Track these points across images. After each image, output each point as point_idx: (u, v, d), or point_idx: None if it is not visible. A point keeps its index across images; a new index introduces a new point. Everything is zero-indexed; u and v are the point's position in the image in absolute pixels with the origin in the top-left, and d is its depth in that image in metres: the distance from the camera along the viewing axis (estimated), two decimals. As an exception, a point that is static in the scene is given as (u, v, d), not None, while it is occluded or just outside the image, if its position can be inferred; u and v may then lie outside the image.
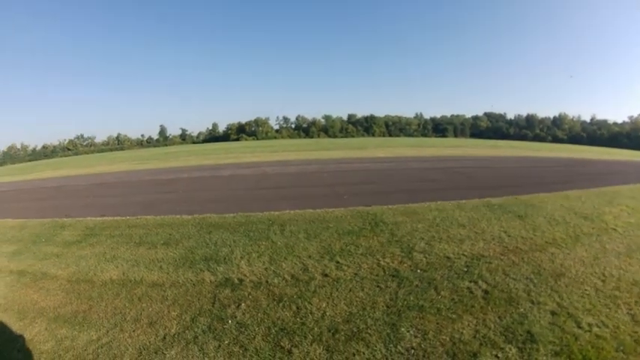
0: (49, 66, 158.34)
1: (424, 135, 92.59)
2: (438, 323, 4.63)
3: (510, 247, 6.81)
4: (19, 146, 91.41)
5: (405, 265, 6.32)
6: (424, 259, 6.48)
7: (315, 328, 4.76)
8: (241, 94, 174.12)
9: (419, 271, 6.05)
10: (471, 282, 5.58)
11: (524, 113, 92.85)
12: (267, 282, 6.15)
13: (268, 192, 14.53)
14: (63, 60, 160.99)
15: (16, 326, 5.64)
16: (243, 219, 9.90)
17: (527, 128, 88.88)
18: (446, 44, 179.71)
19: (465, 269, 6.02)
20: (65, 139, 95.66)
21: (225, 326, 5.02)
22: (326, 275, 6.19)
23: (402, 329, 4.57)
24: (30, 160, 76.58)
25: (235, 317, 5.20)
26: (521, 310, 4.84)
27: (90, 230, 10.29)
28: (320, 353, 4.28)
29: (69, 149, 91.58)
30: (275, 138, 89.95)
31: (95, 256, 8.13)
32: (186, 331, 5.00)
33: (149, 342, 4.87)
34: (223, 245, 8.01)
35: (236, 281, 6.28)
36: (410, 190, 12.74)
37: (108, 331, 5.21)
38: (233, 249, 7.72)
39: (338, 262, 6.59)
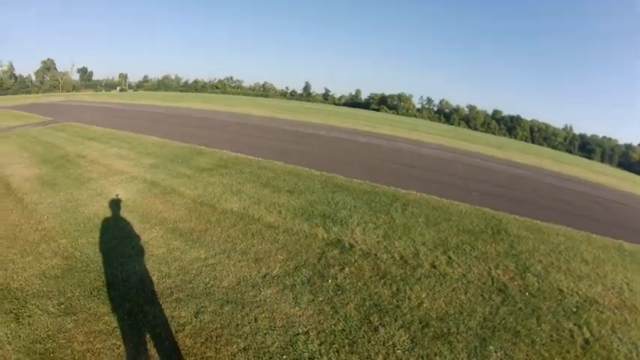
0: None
1: (568, 151, 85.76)
2: (527, 356, 4.45)
3: (628, 303, 5.98)
4: (173, 77, 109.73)
5: (516, 283, 6.02)
6: (536, 283, 6.08)
7: (408, 315, 4.87)
8: (389, 65, 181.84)
9: (527, 294, 5.73)
10: (575, 325, 5.12)
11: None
12: (375, 255, 6.40)
13: (399, 168, 14.82)
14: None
15: (137, 227, 7.01)
16: (368, 188, 10.38)
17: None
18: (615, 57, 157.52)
19: (574, 310, 5.51)
20: (215, 79, 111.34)
21: (323, 284, 5.42)
22: (434, 267, 6.18)
23: (491, 347, 4.45)
24: (181, 91, 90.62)
25: (336, 279, 5.59)
26: (614, 376, 4.39)
27: (223, 162, 12.05)
28: (404, 340, 4.43)
29: (217, 87, 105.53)
30: (415, 117, 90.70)
31: (222, 186, 9.57)
32: (287, 277, 5.57)
33: (250, 275, 5.56)
34: (343, 208, 8.53)
35: (346, 245, 6.70)
36: (540, 206, 11.73)
37: (216, 255, 6.12)
38: (352, 214, 8.17)
39: (450, 258, 6.51)
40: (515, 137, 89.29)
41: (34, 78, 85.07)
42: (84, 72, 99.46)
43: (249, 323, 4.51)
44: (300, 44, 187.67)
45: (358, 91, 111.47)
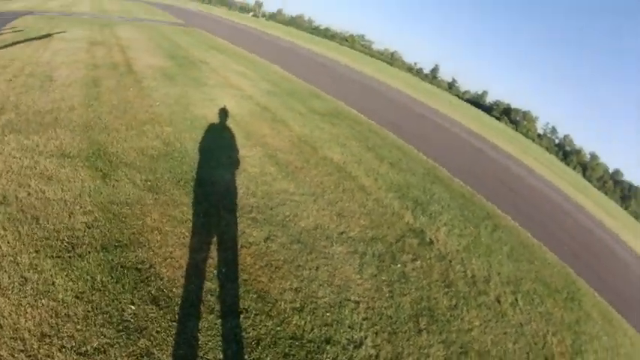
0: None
1: None
2: None
3: None
4: (305, 18, 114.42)
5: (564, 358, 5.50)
6: None
7: (454, 334, 4.41)
8: (529, 75, 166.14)
9: None
10: None
11: None
12: (450, 262, 6.02)
13: (501, 188, 14.21)
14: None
15: (238, 142, 7.16)
16: (467, 194, 9.93)
17: None
18: None
19: None
20: (347, 32, 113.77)
21: (392, 266, 5.17)
22: (498, 301, 5.72)
23: None
24: (310, 34, 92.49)
25: (405, 266, 5.30)
26: None
27: (337, 112, 12.04)
28: (439, 356, 4.04)
29: (346, 41, 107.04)
30: (533, 140, 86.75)
31: (330, 134, 9.59)
32: (361, 243, 5.35)
33: (328, 226, 5.38)
34: (437, 202, 8.18)
35: (427, 240, 6.35)
36: (624, 297, 10.26)
37: (304, 194, 6.06)
38: (442, 211, 7.81)
39: (516, 300, 6.06)
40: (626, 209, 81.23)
41: None
42: None
43: (309, 269, 4.44)
44: (444, 22, 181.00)
45: (485, 93, 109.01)
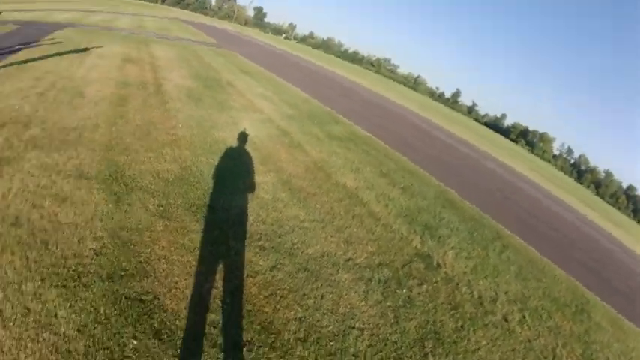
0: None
1: None
2: None
3: None
4: (335, 41, 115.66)
5: None
6: None
7: (461, 355, 4.37)
8: (548, 99, 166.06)
9: None
10: None
11: None
12: (457, 284, 5.93)
13: (518, 209, 14.22)
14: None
15: (254, 167, 7.16)
16: (477, 215, 9.87)
17: None
18: None
19: None
20: (374, 56, 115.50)
21: (397, 291, 5.06)
22: (506, 320, 5.67)
23: None
24: (339, 57, 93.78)
25: (411, 291, 5.19)
26: None
27: (354, 137, 12.02)
28: None
29: (372, 65, 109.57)
30: (549, 162, 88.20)
31: (345, 159, 9.53)
32: (367, 270, 5.26)
33: (335, 253, 5.31)
34: (446, 226, 8.09)
35: (434, 263, 6.25)
36: (633, 301, 10.05)
37: (313, 221, 5.98)
38: (451, 235, 7.72)
39: (524, 317, 6.00)
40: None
41: (213, 2, 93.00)
42: (259, 11, 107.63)
43: (314, 297, 4.36)
44: (468, 48, 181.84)
45: (503, 116, 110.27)
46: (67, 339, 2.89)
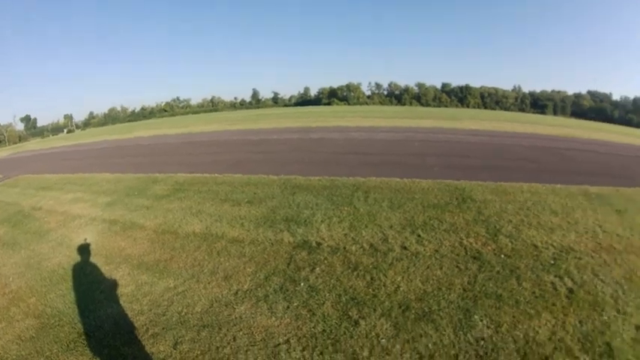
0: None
1: (521, 110, 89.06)
2: (514, 317, 4.52)
3: (604, 245, 6.28)
4: (119, 109, 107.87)
5: (489, 247, 6.19)
6: (510, 244, 6.27)
7: (387, 302, 4.90)
8: (335, 58, 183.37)
9: (502, 256, 5.89)
10: (556, 277, 5.27)
11: (631, 95, 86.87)
12: (344, 248, 6.47)
13: (355, 157, 14.91)
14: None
15: (102, 270, 6.82)
16: (327, 183, 10.49)
17: (633, 112, 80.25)
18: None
19: (552, 262, 5.70)
20: (162, 102, 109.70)
21: (296, 288, 5.44)
22: (405, 248, 6.28)
23: (475, 317, 4.56)
24: (129, 121, 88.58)
25: (308, 280, 5.61)
26: (605, 318, 4.51)
27: (179, 185, 11.84)
28: (387, 329, 4.43)
29: (165, 111, 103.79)
30: (366, 104, 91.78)
31: (182, 210, 9.42)
32: (259, 289, 5.55)
33: (222, 295, 5.50)
34: (305, 207, 8.59)
35: (314, 244, 6.73)
36: (502, 168, 12.23)
37: (185, 281, 6.02)
38: (315, 212, 8.24)
39: (419, 236, 6.66)
40: (468, 106, 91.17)
41: None
42: (27, 120, 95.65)
43: (228, 344, 4.48)
44: (239, 51, 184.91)
45: (307, 89, 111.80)
46: None
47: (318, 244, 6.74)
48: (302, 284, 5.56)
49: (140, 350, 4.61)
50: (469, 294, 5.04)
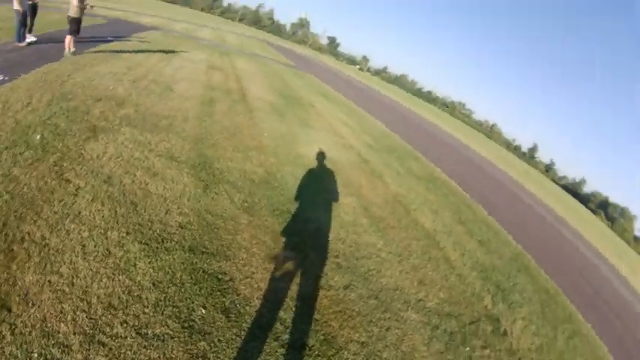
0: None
1: None
2: None
3: None
4: (409, 79, 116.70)
5: None
6: None
7: None
8: None
9: None
10: None
11: None
12: (519, 359, 5.80)
13: None
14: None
15: (336, 187, 7.34)
16: (550, 288, 9.65)
17: None
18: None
19: None
20: (448, 97, 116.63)
21: (460, 347, 4.78)
22: None
23: None
24: (413, 95, 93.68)
25: (473, 351, 4.91)
26: None
27: (433, 178, 11.73)
28: None
29: (446, 106, 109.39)
30: None
31: (423, 199, 9.44)
32: (435, 317, 5.05)
33: (407, 291, 5.17)
34: (519, 292, 7.88)
35: (501, 331, 5.98)
36: None
37: (390, 252, 5.97)
38: (523, 304, 7.35)
39: None
40: None
41: (287, 28, 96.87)
42: (332, 41, 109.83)
43: (380, 327, 4.26)
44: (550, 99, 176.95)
45: (582, 181, 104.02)
46: (140, 287, 3.06)
47: (505, 333, 6.07)
48: (467, 349, 5.15)
49: (320, 264, 4.72)
50: None
